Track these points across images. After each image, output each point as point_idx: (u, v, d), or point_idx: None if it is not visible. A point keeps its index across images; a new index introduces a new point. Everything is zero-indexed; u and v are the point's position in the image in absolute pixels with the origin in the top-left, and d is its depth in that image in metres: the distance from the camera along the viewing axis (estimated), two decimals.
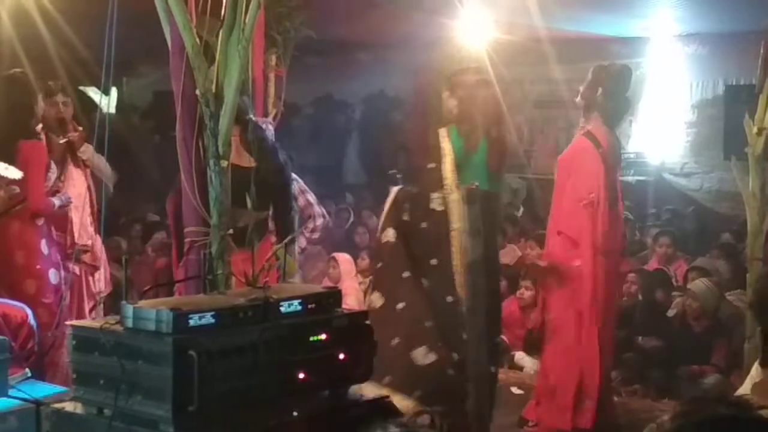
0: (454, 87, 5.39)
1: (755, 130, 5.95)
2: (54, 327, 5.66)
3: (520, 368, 7.45)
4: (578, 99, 6.03)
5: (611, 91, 5.90)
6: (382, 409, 3.06)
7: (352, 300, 7.49)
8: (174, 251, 5.37)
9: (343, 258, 8.25)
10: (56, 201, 6.00)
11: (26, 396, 4.31)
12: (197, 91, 4.08)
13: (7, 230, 5.80)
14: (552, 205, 6.04)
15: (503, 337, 7.82)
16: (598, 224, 5.74)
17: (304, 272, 7.48)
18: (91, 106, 8.41)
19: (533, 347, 7.34)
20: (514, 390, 6.94)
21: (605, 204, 5.76)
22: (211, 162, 4.10)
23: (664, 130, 10.31)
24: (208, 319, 2.75)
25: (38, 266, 5.82)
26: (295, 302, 2.99)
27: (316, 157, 11.30)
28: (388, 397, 3.17)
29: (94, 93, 9.75)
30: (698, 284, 7.14)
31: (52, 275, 5.89)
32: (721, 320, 7.01)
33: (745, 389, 5.46)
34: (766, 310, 3.68)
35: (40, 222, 5.89)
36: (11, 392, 4.36)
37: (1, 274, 5.72)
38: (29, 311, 5.00)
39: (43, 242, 5.89)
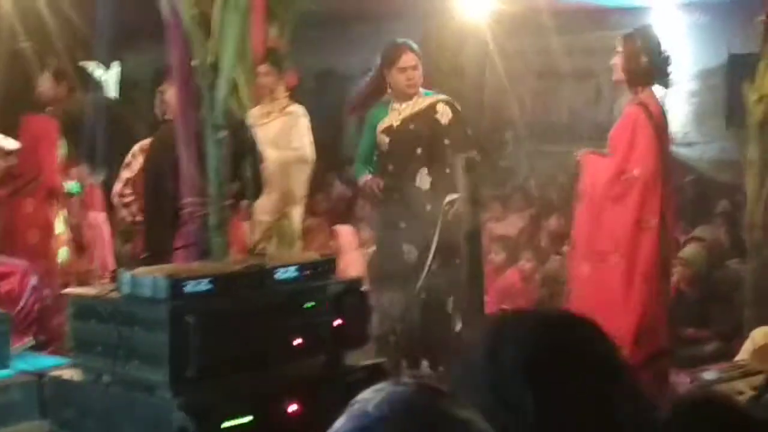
0: None
1: (755, 97, 5.93)
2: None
3: None
4: (616, 74, 5.82)
5: (654, 53, 5.74)
6: (379, 374, 3.09)
7: (354, 272, 7.48)
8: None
9: (343, 230, 8.23)
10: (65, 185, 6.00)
11: (29, 368, 4.33)
12: (194, 63, 4.10)
13: (20, 209, 5.77)
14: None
15: (506, 307, 7.88)
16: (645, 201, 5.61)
17: (305, 245, 7.48)
18: (93, 82, 8.39)
19: None
20: None
21: (659, 180, 5.63)
22: (209, 133, 4.13)
23: (665, 100, 10.29)
24: (205, 285, 2.77)
25: (51, 246, 5.81)
26: (291, 269, 3.02)
27: (317, 132, 11.30)
28: (384, 362, 3.20)
29: (94, 68, 9.72)
30: (688, 249, 7.14)
31: (62, 255, 5.87)
32: (718, 286, 7.01)
33: (743, 355, 5.51)
34: None
35: (54, 200, 5.86)
36: (14, 363, 4.38)
37: (14, 254, 5.69)
38: (34, 275, 4.99)
39: (57, 221, 5.87)
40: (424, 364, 5.63)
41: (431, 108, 5.75)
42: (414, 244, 5.68)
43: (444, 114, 5.73)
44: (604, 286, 5.65)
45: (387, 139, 5.81)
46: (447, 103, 5.79)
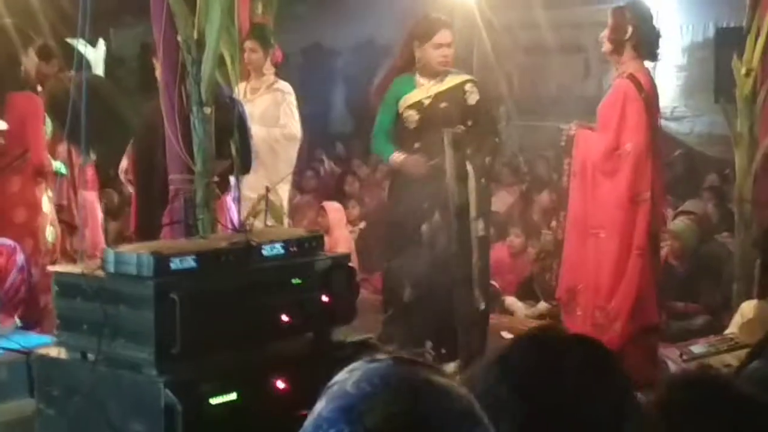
0: None
1: (743, 71, 5.92)
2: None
3: (511, 313, 7.50)
4: (605, 47, 5.76)
5: (644, 26, 5.67)
6: (367, 349, 3.08)
7: (343, 249, 7.47)
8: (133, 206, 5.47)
9: (332, 207, 8.23)
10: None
11: (17, 347, 4.30)
12: (179, 38, 4.07)
13: (7, 187, 5.72)
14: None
15: (493, 282, 7.88)
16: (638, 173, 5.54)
17: (294, 223, 7.47)
18: (78, 60, 8.29)
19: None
20: (505, 334, 6.98)
21: (649, 153, 5.57)
22: (194, 109, 4.10)
23: (654, 74, 10.27)
24: (190, 262, 2.75)
25: (38, 225, 5.77)
26: (278, 245, 2.99)
27: (305, 107, 11.27)
28: (371, 338, 3.19)
29: (81, 46, 9.59)
30: (677, 223, 7.14)
31: (49, 234, 5.84)
32: (706, 261, 7.02)
33: (732, 329, 5.52)
34: None
35: (42, 179, 5.82)
36: (2, 342, 4.35)
37: (1, 232, 5.64)
38: (21, 254, 4.96)
39: (45, 199, 5.83)
40: (428, 344, 5.58)
41: (460, 87, 5.61)
42: (432, 223, 5.56)
43: (472, 94, 5.61)
44: (598, 262, 5.64)
45: (416, 116, 5.59)
46: (475, 83, 5.69)
